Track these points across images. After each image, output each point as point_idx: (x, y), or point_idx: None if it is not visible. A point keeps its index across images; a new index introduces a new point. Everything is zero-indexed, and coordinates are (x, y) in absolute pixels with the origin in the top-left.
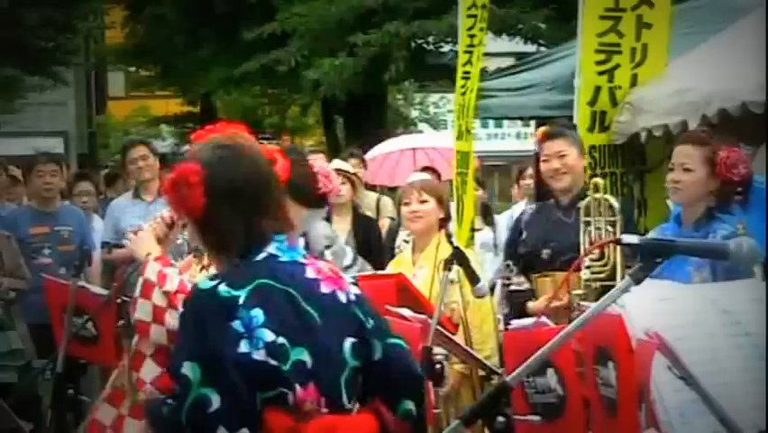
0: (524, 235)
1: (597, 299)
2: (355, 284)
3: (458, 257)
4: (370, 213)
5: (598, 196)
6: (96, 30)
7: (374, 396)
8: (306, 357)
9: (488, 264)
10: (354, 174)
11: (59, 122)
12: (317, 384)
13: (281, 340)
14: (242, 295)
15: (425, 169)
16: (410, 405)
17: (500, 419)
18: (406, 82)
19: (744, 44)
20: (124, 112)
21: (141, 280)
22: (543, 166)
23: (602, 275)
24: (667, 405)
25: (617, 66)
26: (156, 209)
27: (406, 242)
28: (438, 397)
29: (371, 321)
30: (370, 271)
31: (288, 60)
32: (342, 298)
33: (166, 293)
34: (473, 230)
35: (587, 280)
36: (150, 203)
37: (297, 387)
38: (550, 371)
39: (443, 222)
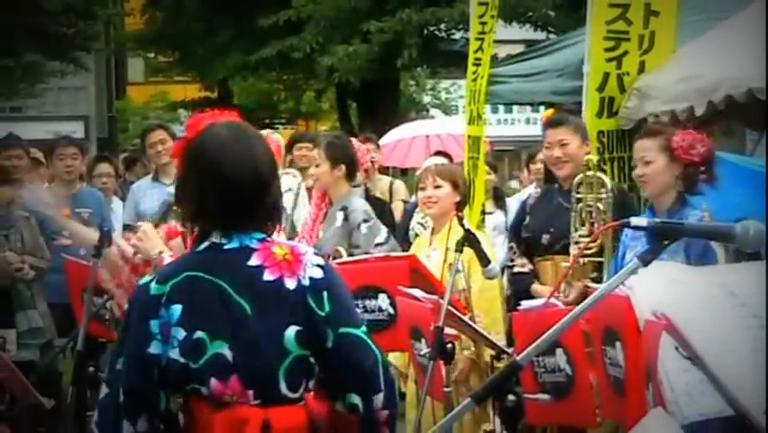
0: (527, 220)
1: (584, 275)
2: (321, 267)
3: (469, 239)
4: (382, 196)
5: (590, 174)
6: (116, 16)
7: (325, 387)
8: (226, 351)
9: (499, 247)
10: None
11: (80, 106)
12: (241, 377)
13: (199, 334)
14: (165, 291)
15: (438, 153)
16: (356, 399)
17: (510, 397)
18: (418, 68)
19: (750, 32)
20: (143, 97)
21: None
22: (545, 153)
23: (590, 252)
24: (674, 384)
25: (626, 53)
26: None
27: (421, 224)
28: (449, 377)
29: (327, 308)
30: (399, 251)
31: (303, 47)
32: (290, 284)
33: None
34: (484, 213)
35: (575, 257)
36: (169, 186)
37: (213, 381)
38: (559, 351)
39: (460, 204)
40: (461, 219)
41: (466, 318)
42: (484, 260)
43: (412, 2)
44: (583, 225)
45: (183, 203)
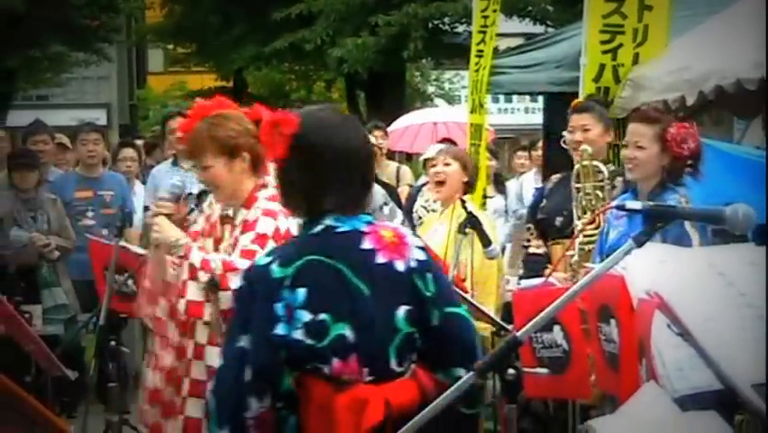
0: (544, 203)
1: (588, 261)
2: (422, 249)
3: (472, 221)
4: (390, 181)
5: (586, 163)
6: (137, 9)
7: (427, 360)
8: (347, 332)
9: (499, 229)
10: (375, 145)
11: (103, 95)
12: (359, 356)
13: (322, 317)
14: (289, 274)
15: (444, 140)
16: (462, 373)
17: (510, 371)
18: (423, 60)
19: (738, 26)
20: (163, 86)
21: (186, 264)
22: (567, 136)
23: (594, 238)
24: (665, 360)
25: (621, 45)
26: (193, 176)
27: (424, 207)
28: None
29: (432, 288)
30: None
31: (314, 39)
32: (400, 267)
33: (212, 276)
34: (485, 197)
35: (580, 244)
36: (187, 170)
37: (335, 360)
38: (556, 327)
39: (467, 185)
40: (464, 203)
41: (468, 297)
42: (485, 240)
43: None
44: (585, 213)
45: (295, 192)
